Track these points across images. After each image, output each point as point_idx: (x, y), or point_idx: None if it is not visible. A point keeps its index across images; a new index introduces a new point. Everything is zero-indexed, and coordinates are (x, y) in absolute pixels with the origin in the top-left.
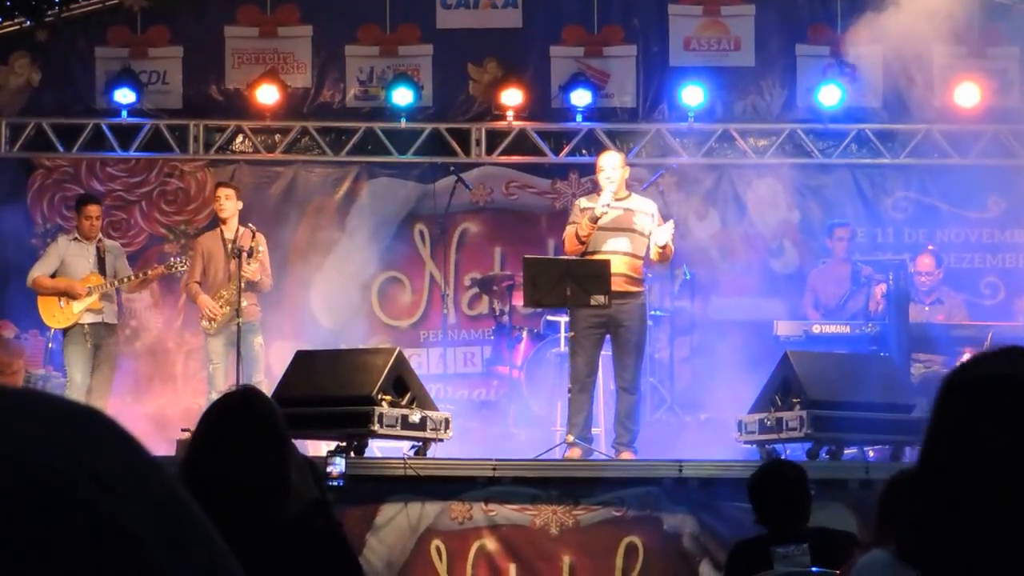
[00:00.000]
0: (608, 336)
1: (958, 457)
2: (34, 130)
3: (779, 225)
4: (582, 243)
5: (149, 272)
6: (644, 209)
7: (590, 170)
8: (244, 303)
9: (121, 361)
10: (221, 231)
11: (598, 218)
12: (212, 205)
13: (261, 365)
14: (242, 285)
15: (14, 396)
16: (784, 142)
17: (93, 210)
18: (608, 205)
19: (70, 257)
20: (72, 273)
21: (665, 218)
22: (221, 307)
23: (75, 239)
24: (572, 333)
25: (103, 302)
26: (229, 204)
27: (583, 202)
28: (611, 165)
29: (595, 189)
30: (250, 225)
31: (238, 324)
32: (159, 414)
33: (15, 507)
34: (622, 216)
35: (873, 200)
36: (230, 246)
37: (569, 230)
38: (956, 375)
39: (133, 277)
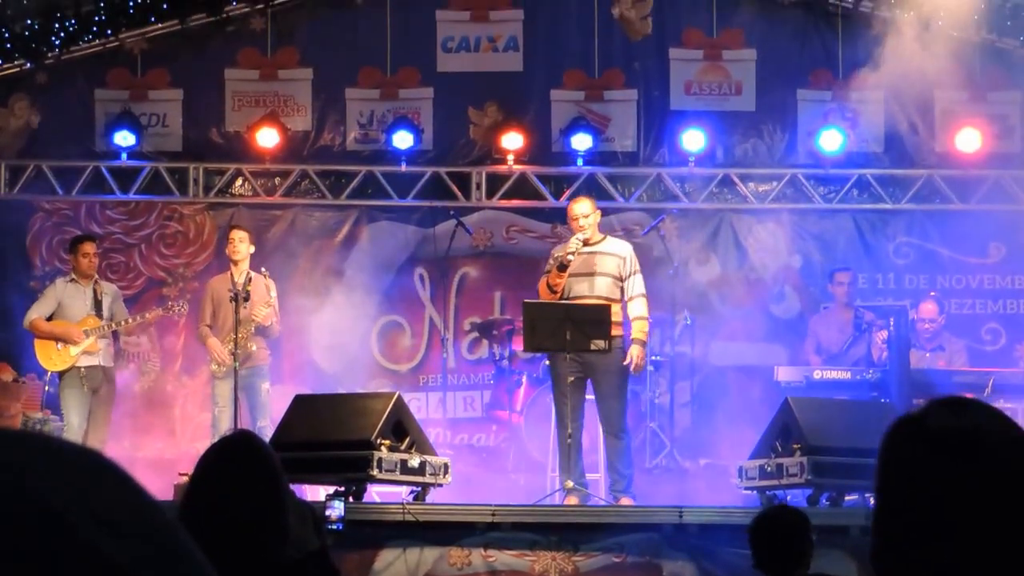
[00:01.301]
0: (590, 381)
1: (940, 514)
2: (33, 172)
3: (780, 270)
4: (554, 292)
5: (147, 315)
6: (613, 251)
7: None
8: (253, 347)
9: (119, 404)
10: (231, 274)
11: (566, 266)
12: (211, 248)
13: (267, 411)
14: (251, 329)
15: (17, 438)
16: (785, 187)
17: (89, 247)
18: (572, 253)
19: (67, 299)
20: (69, 315)
21: (659, 260)
22: (230, 351)
23: (72, 280)
24: (571, 378)
25: (100, 345)
26: (243, 247)
27: (556, 249)
28: (580, 213)
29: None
30: (263, 270)
31: (235, 368)
32: (158, 458)
33: (17, 547)
34: (597, 261)
35: (874, 245)
36: (238, 290)
37: (541, 280)
38: (916, 428)
39: (130, 320)
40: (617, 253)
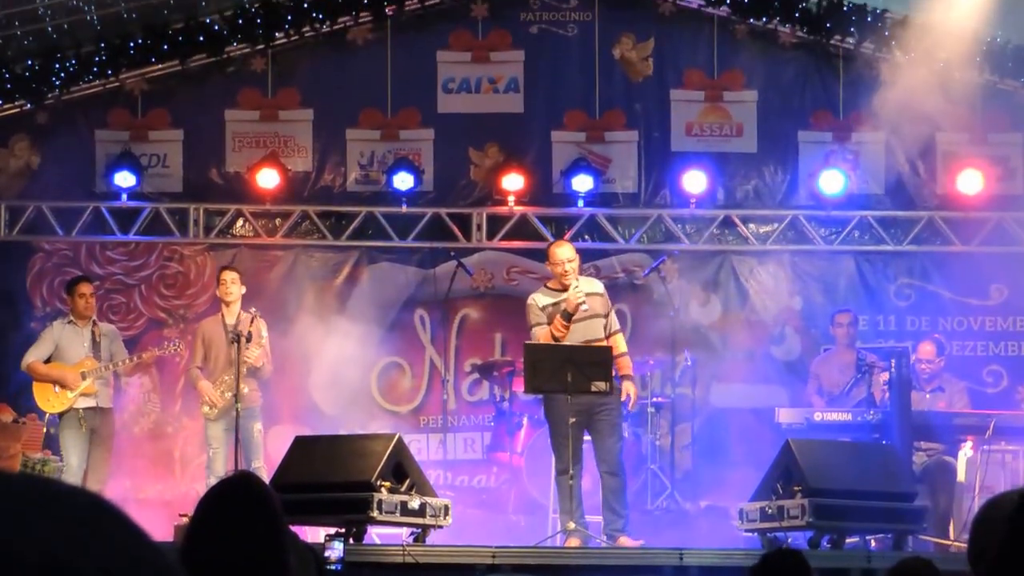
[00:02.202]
0: (585, 421)
1: None
2: (33, 213)
3: (781, 312)
4: (558, 342)
5: (144, 355)
6: (595, 291)
7: (591, 256)
8: (245, 389)
9: (119, 445)
10: (223, 316)
11: (572, 315)
12: (212, 289)
13: (260, 451)
14: (243, 371)
15: (19, 483)
16: (786, 228)
17: (85, 287)
18: (583, 302)
19: (65, 341)
20: (67, 357)
21: (660, 302)
22: (222, 393)
23: (70, 322)
24: (571, 421)
25: (98, 386)
26: (235, 288)
27: (539, 299)
28: (568, 257)
29: (597, 275)
30: (252, 310)
31: (236, 409)
32: (157, 499)
33: None
34: (589, 302)
35: (875, 287)
36: (231, 331)
37: (541, 332)
38: None
39: (128, 360)
40: (598, 292)
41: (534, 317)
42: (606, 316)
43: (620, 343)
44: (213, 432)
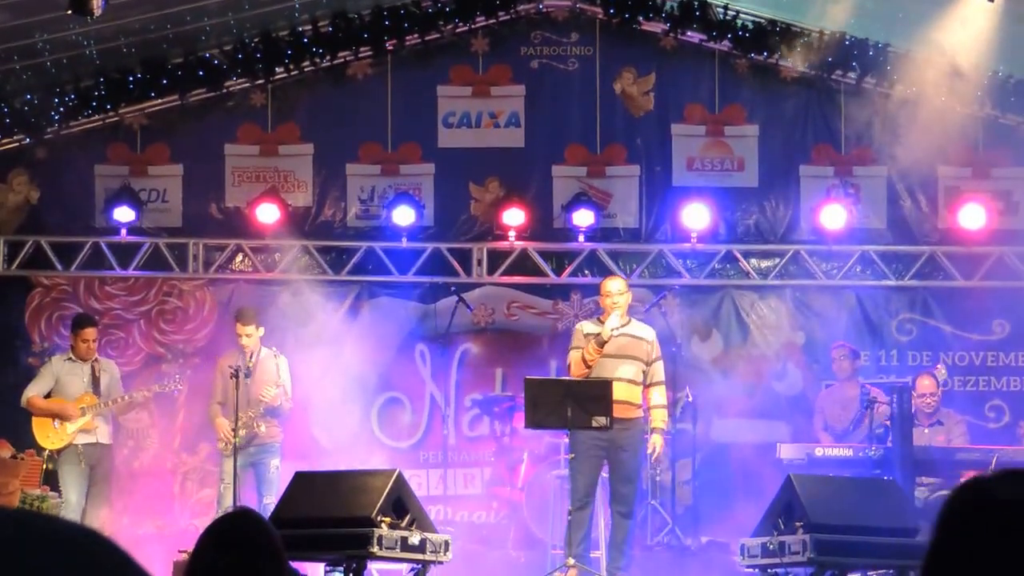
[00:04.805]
0: (606, 460)
1: None
2: (32, 248)
3: (782, 347)
4: (588, 367)
5: (135, 394)
6: (646, 336)
7: (592, 291)
8: (262, 427)
9: (118, 481)
10: (241, 352)
11: (605, 342)
12: (211, 324)
13: (275, 487)
14: (260, 410)
15: (16, 519)
16: (788, 263)
17: (90, 333)
18: (615, 329)
19: (64, 377)
20: (66, 393)
21: (661, 337)
22: (233, 428)
23: (69, 359)
24: (572, 455)
25: (97, 422)
26: (250, 342)
27: (586, 326)
28: (616, 290)
29: (597, 311)
30: (272, 348)
31: (235, 444)
32: (157, 534)
33: None
34: (628, 343)
35: (877, 322)
36: (243, 368)
37: (574, 355)
38: (976, 497)
39: (124, 398)
40: (645, 338)
41: (574, 341)
42: (647, 364)
43: (657, 395)
44: (227, 467)
